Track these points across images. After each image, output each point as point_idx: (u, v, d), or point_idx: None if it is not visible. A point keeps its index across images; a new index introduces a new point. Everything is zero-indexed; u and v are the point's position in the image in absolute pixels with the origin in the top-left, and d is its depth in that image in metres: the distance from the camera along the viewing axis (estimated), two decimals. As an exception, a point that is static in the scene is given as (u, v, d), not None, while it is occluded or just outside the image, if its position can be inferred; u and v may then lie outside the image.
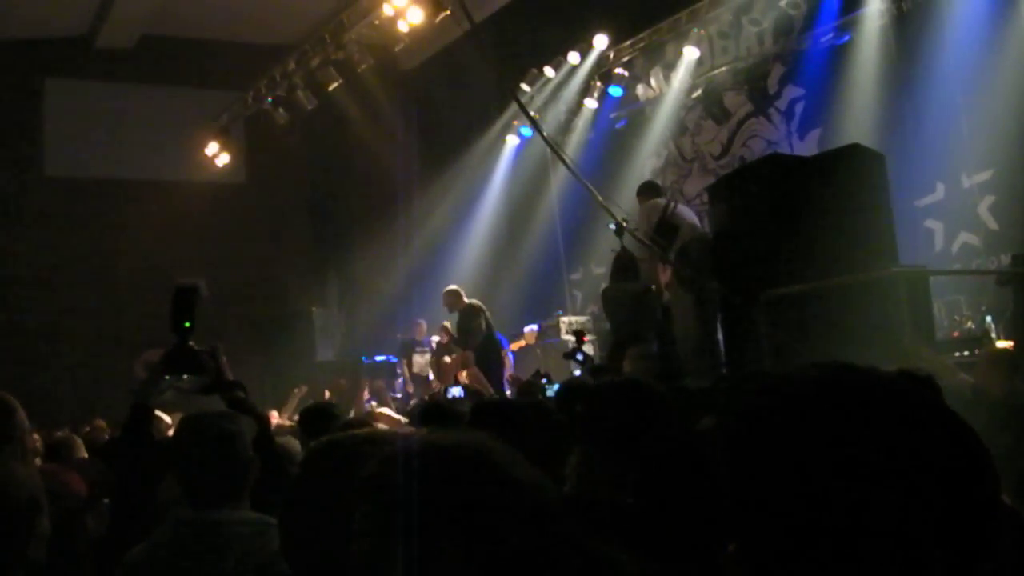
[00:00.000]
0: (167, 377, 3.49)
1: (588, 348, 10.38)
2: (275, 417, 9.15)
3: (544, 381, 7.71)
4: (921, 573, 0.84)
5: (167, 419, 6.31)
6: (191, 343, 3.45)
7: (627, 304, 9.25)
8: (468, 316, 11.77)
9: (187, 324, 3.41)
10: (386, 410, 7.31)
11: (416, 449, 1.19)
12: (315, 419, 4.71)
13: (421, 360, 13.81)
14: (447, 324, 13.73)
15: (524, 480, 1.15)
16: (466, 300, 11.98)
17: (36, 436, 7.57)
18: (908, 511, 0.84)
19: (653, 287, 9.44)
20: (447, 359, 12.48)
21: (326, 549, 1.82)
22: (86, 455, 5.86)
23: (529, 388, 7.40)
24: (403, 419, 6.66)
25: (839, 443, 0.87)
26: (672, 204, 9.93)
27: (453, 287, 12.24)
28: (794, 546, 0.87)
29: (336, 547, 1.83)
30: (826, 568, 0.85)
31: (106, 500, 3.69)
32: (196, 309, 3.47)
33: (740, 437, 0.95)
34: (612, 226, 9.39)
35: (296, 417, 9.57)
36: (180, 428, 2.99)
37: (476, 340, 11.53)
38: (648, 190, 10.17)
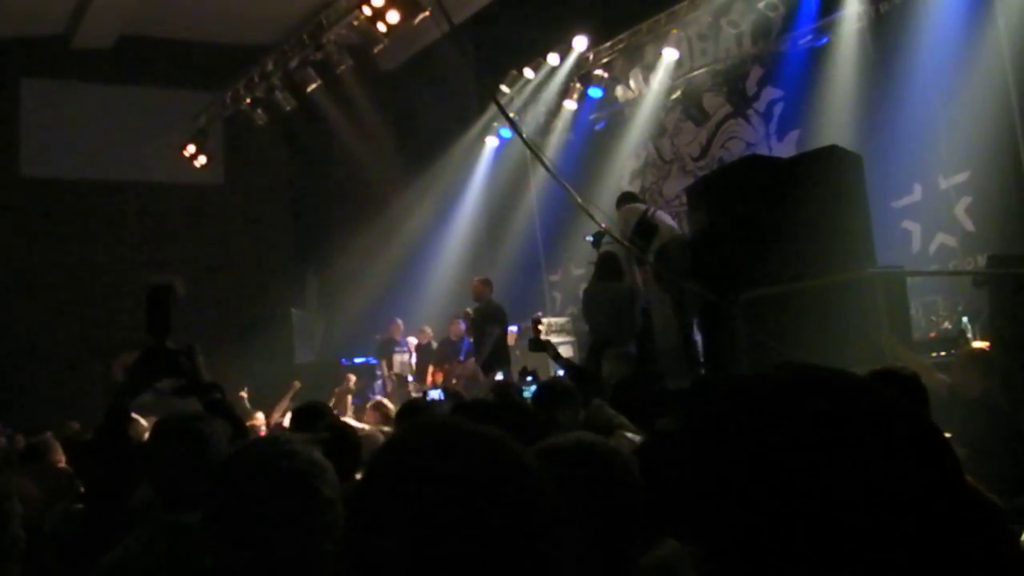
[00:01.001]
0: (143, 379, 3.45)
1: (551, 337, 10.44)
2: (259, 419, 9.11)
3: (530, 379, 7.69)
4: None
5: (144, 422, 6.26)
6: (168, 344, 3.41)
7: (608, 304, 9.28)
8: (491, 317, 11.34)
9: (163, 324, 3.37)
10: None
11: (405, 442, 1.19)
12: (307, 418, 4.68)
13: (400, 360, 13.76)
14: (427, 328, 13.71)
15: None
16: (494, 299, 11.58)
17: (20, 438, 7.54)
18: (875, 515, 0.83)
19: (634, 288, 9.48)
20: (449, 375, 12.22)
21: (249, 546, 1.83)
22: (63, 458, 5.81)
23: (506, 389, 7.38)
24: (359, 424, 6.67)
25: (804, 446, 0.86)
26: (651, 209, 9.99)
27: (486, 277, 11.97)
28: (758, 551, 0.86)
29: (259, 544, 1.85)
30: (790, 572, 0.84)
31: (79, 505, 3.66)
32: (172, 308, 3.43)
33: (704, 440, 0.93)
34: (590, 238, 9.45)
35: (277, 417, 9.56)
36: (154, 431, 2.96)
37: (488, 349, 11.15)
38: (627, 198, 10.29)
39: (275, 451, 1.97)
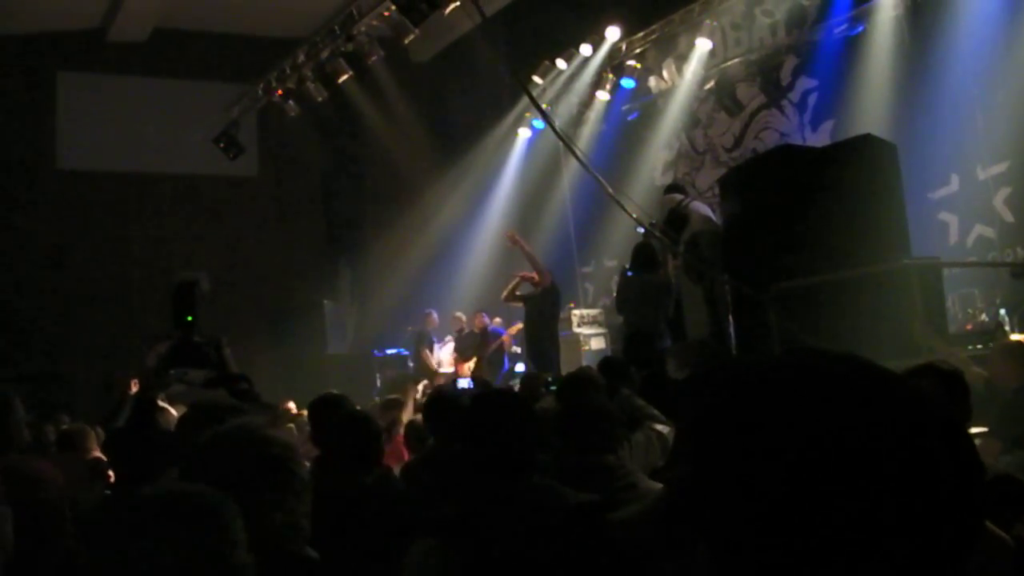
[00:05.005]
0: (172, 371, 3.48)
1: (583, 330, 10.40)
2: (292, 410, 9.08)
3: None
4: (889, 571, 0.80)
5: (173, 411, 6.29)
6: (196, 337, 3.43)
7: (645, 295, 9.25)
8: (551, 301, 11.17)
9: (189, 318, 3.39)
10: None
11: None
12: (324, 409, 4.66)
13: (438, 350, 13.74)
14: (461, 315, 13.68)
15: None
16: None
17: (51, 429, 7.61)
18: (875, 508, 0.79)
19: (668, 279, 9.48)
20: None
21: None
22: (96, 448, 5.84)
23: (531, 382, 7.38)
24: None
25: (803, 434, 0.82)
26: (687, 199, 9.95)
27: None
28: (755, 541, 0.82)
29: None
30: (790, 565, 0.81)
31: (108, 492, 3.69)
32: (198, 303, 3.45)
33: (702, 425, 0.90)
34: (641, 230, 9.48)
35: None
36: (182, 419, 2.98)
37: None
38: (671, 189, 10.31)
39: (251, 436, 1.98)
